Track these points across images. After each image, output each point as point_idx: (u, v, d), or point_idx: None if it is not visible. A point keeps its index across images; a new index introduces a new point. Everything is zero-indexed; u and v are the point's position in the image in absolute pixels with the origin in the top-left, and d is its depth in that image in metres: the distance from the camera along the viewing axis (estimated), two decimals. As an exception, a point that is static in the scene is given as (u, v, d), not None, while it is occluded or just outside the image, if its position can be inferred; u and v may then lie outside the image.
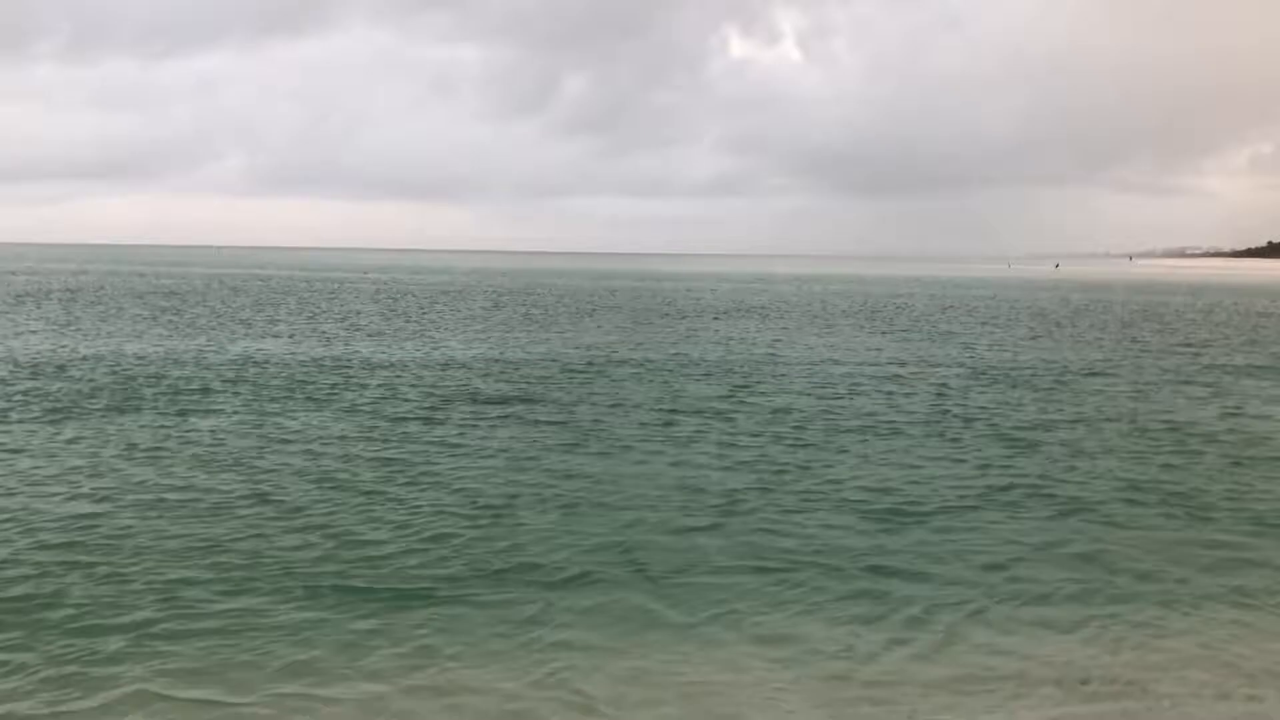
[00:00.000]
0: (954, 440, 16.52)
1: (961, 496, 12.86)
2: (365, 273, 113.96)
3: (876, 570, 10.02)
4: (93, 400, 18.83)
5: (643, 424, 17.57)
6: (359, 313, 45.73)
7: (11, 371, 22.60)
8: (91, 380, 21.39)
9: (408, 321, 40.98)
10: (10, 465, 13.58)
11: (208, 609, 8.68)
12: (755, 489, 13.08)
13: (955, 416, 18.83)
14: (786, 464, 14.57)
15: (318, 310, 47.08)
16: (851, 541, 10.92)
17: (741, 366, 26.48)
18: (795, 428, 17.42)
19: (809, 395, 21.35)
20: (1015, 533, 11.34)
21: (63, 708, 7.01)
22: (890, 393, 21.91)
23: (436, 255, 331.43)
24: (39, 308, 44.21)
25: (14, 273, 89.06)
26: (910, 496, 12.81)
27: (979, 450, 15.75)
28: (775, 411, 19.12)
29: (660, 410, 19.01)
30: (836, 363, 27.78)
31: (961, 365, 27.67)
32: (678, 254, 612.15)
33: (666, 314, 49.15)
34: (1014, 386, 23.30)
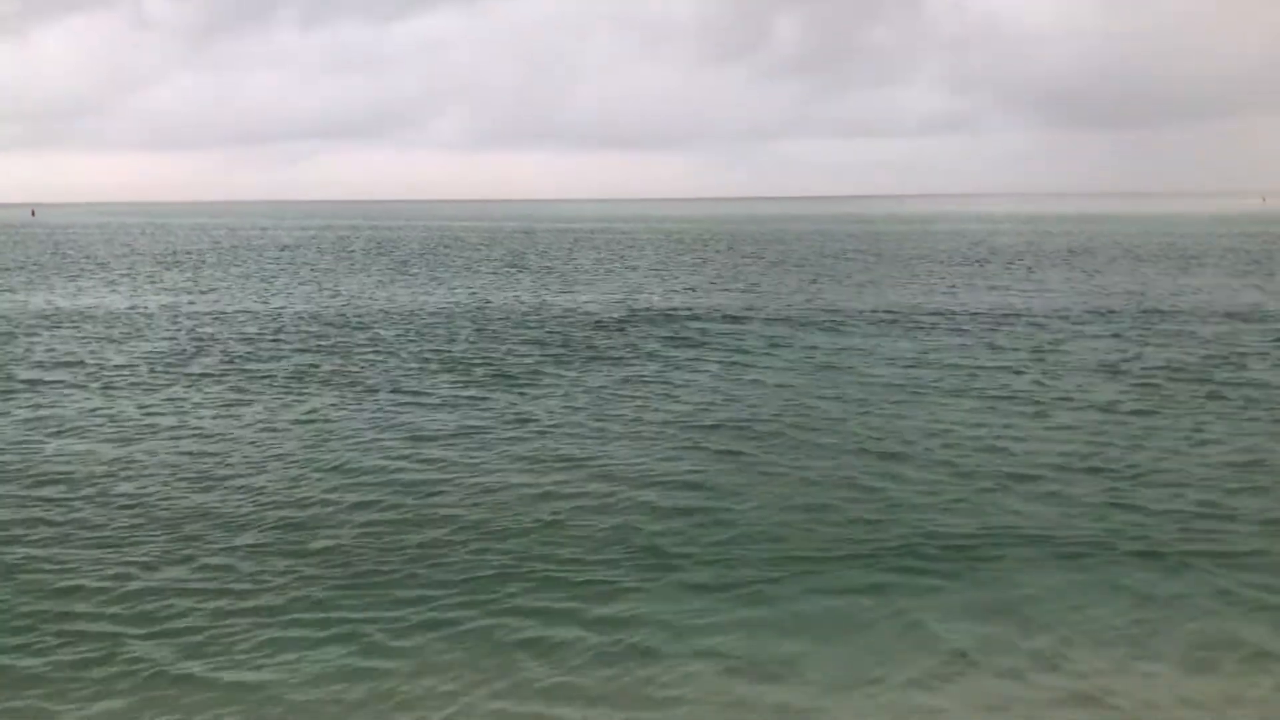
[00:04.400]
0: None
1: None
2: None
3: None
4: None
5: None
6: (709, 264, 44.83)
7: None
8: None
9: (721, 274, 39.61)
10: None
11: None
12: None
13: None
14: None
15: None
16: None
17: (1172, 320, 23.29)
18: None
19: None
20: None
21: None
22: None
23: (655, 204, 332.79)
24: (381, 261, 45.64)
25: (306, 229, 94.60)
26: None
27: None
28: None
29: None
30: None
31: None
32: (902, 195, 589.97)
33: (990, 260, 45.62)
34: None
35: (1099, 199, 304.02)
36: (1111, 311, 24.93)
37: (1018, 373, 16.66)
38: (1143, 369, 16.89)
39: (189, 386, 15.85)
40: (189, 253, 53.71)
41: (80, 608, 7.64)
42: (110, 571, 8.31)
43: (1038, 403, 14.37)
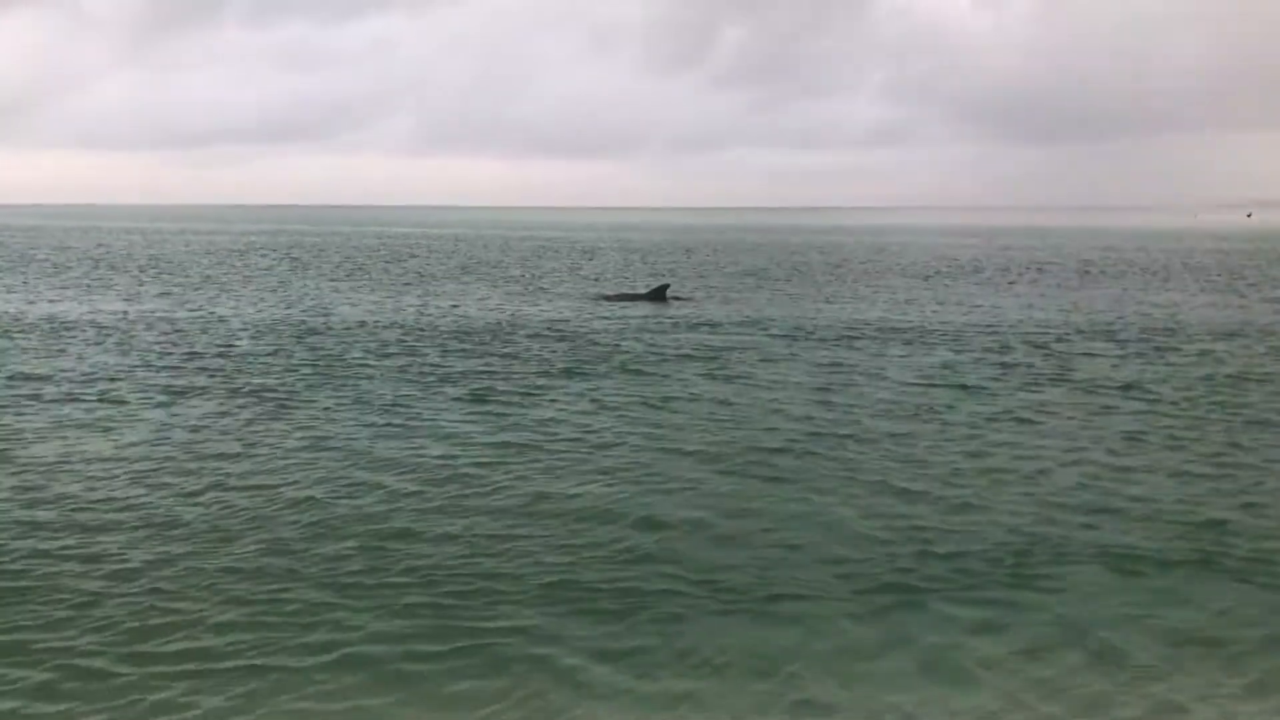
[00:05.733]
0: None
1: None
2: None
3: None
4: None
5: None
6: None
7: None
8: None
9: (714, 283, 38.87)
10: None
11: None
12: None
13: None
14: None
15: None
16: None
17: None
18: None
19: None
20: None
21: None
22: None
23: (604, 213, 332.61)
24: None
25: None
26: None
27: None
28: None
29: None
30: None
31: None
32: (846, 208, 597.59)
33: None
34: None
35: (1045, 213, 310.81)
36: (1110, 328, 24.58)
37: (1028, 391, 16.11)
38: (1155, 386, 16.47)
39: (151, 400, 14.56)
40: (129, 258, 51.65)
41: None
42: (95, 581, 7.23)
43: (1053, 420, 13.95)
